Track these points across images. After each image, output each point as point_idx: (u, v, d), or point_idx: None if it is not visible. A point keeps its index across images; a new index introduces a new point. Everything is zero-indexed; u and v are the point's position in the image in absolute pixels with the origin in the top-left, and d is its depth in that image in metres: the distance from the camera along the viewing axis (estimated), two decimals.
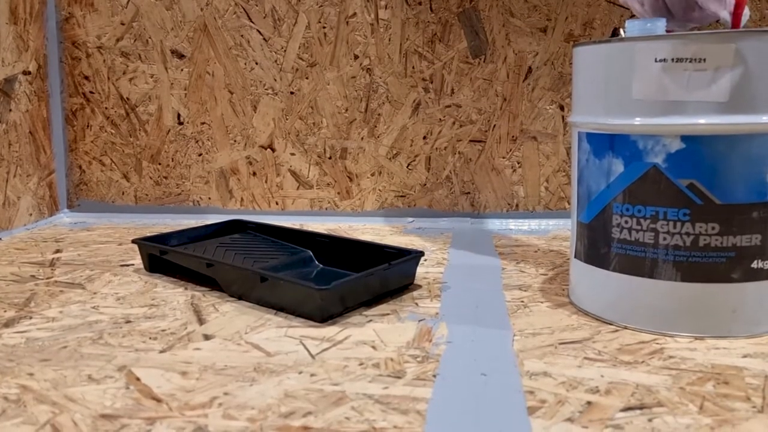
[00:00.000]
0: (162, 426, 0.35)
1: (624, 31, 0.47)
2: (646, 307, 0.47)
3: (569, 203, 0.89)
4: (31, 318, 0.52)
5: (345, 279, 0.52)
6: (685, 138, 0.44)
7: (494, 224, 0.88)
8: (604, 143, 0.48)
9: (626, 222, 0.47)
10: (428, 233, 0.84)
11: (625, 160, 0.47)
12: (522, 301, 0.55)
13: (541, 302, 0.55)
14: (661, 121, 0.45)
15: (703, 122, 0.44)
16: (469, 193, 0.90)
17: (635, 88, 0.45)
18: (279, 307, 0.53)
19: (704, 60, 0.43)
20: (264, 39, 0.90)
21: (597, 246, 0.49)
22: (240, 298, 0.56)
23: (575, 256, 0.53)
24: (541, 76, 0.86)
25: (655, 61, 0.44)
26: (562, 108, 0.86)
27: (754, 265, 0.45)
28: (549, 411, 0.36)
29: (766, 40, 0.43)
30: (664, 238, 0.46)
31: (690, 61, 0.43)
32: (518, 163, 0.89)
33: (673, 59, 0.44)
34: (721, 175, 0.44)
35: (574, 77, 0.51)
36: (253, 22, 0.89)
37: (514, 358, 0.44)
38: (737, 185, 0.44)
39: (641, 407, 0.37)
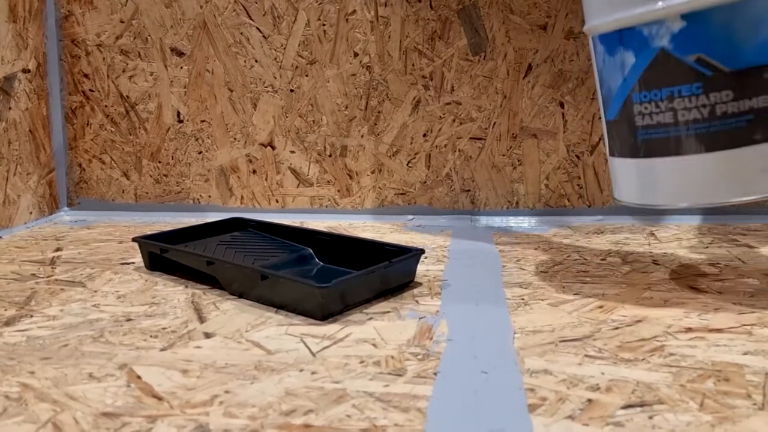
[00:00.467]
0: (163, 424, 0.35)
1: None
2: (679, 185, 0.49)
3: (569, 201, 0.89)
4: (31, 316, 0.52)
5: (345, 277, 0.52)
6: (684, 16, 0.46)
7: (494, 222, 0.88)
8: (614, 40, 0.50)
9: (645, 108, 0.49)
10: (428, 231, 0.84)
11: (635, 50, 0.48)
12: (522, 299, 0.55)
13: (542, 300, 0.55)
14: (660, 5, 0.46)
15: None
16: (469, 190, 0.90)
17: None
18: (279, 305, 0.53)
19: None
20: (263, 36, 0.90)
21: (625, 138, 0.51)
22: (240, 296, 0.56)
23: (610, 154, 0.54)
24: (541, 74, 0.86)
25: None
26: (562, 105, 0.86)
27: None
28: (550, 409, 0.36)
29: None
30: (683, 115, 0.47)
31: None
32: (518, 161, 0.89)
33: None
34: (725, 43, 0.45)
35: None
36: (252, 20, 0.89)
37: (515, 355, 0.44)
38: (743, 50, 0.45)
39: (642, 405, 0.37)
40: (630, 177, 0.52)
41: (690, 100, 0.47)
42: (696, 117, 0.47)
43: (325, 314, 0.51)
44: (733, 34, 0.45)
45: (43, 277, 0.63)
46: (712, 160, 0.47)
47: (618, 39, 0.50)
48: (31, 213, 0.89)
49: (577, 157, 0.88)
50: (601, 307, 0.53)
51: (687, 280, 0.60)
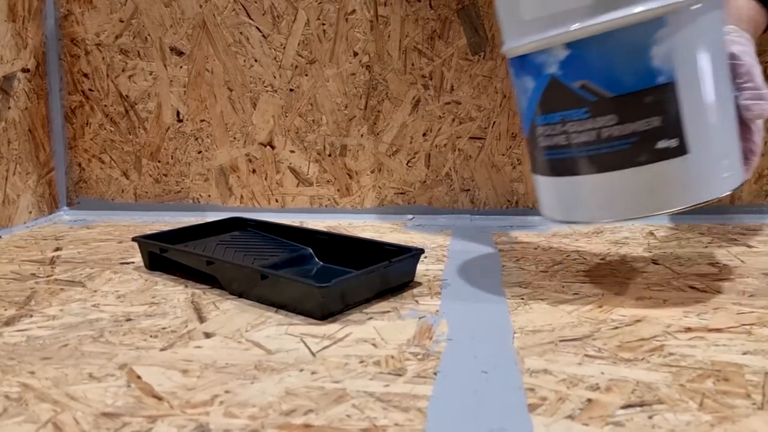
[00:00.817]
0: (163, 424, 0.35)
1: None
2: (579, 202, 0.51)
3: None
4: (31, 316, 0.52)
5: (345, 276, 0.52)
6: (568, 45, 0.48)
7: (494, 221, 0.88)
8: (519, 65, 0.52)
9: (545, 130, 0.51)
10: (428, 230, 0.84)
11: (533, 76, 0.51)
12: (522, 298, 0.55)
13: (542, 299, 0.55)
14: (546, 34, 0.48)
15: (578, 26, 0.47)
16: (468, 190, 0.90)
17: (521, 10, 0.50)
18: (279, 305, 0.53)
19: None
20: (263, 36, 0.90)
21: (536, 157, 0.54)
22: (240, 295, 0.56)
23: (531, 171, 0.57)
24: None
25: None
26: None
27: (660, 145, 0.47)
28: (550, 408, 0.36)
29: None
30: (575, 137, 0.49)
31: None
32: (518, 160, 0.89)
33: None
34: (606, 70, 0.47)
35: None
36: (252, 19, 0.89)
37: (515, 355, 0.44)
38: (624, 76, 0.47)
39: (641, 404, 0.37)
40: (544, 193, 0.55)
41: (579, 123, 0.49)
42: (586, 140, 0.49)
43: (325, 314, 0.51)
44: (613, 61, 0.47)
45: (42, 277, 0.63)
46: (602, 180, 0.49)
47: (521, 64, 0.52)
48: (30, 212, 0.89)
49: None
50: (600, 306, 0.53)
51: (686, 279, 0.60)
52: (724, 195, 0.50)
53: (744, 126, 0.54)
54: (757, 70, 0.53)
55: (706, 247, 0.72)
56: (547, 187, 0.54)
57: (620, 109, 0.47)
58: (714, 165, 0.49)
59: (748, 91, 0.52)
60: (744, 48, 0.53)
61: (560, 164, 0.51)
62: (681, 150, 0.47)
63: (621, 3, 0.46)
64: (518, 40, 0.51)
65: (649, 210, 0.49)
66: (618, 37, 0.46)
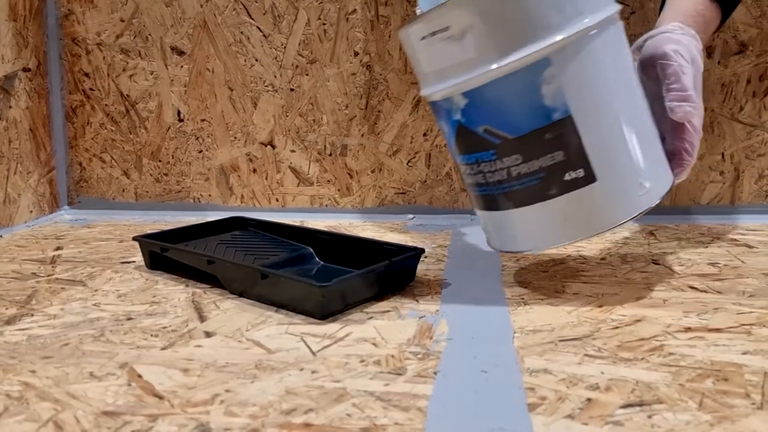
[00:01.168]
0: (164, 423, 0.35)
1: (418, 9, 0.53)
2: (507, 234, 0.54)
3: None
4: (32, 315, 0.52)
5: (345, 276, 0.52)
6: (465, 94, 0.49)
7: None
8: (433, 109, 0.54)
9: (465, 170, 0.53)
10: (428, 230, 0.84)
11: (446, 121, 0.53)
12: (522, 298, 0.55)
13: (542, 299, 0.55)
14: (445, 85, 0.50)
15: (469, 77, 0.49)
16: None
17: (421, 64, 0.52)
18: (280, 304, 0.53)
19: (449, 28, 0.48)
20: (264, 36, 0.90)
21: (468, 191, 0.57)
22: (241, 295, 0.57)
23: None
24: None
25: (421, 39, 0.50)
26: None
27: (567, 177, 0.49)
28: (549, 408, 0.36)
29: None
30: (490, 176, 0.51)
31: (441, 32, 0.49)
32: None
33: (430, 34, 0.49)
34: (503, 114, 0.49)
35: None
36: (252, 19, 0.89)
37: (515, 355, 0.44)
38: (520, 118, 0.49)
39: (641, 404, 0.37)
40: (482, 225, 0.57)
41: (490, 164, 0.51)
42: (499, 179, 0.51)
43: (325, 313, 0.51)
44: (508, 105, 0.49)
45: (43, 276, 0.63)
46: (521, 214, 0.51)
47: (435, 109, 0.54)
48: (31, 212, 0.89)
49: None
50: (600, 306, 0.53)
51: (686, 279, 0.60)
52: (642, 213, 0.50)
53: (680, 125, 0.54)
54: (686, 70, 0.52)
55: (707, 247, 0.72)
56: (482, 220, 0.56)
57: (523, 149, 0.49)
58: (626, 187, 0.50)
59: (673, 92, 0.52)
60: (678, 47, 0.53)
61: (485, 200, 0.53)
62: (588, 179, 0.49)
63: (503, 52, 0.48)
64: (427, 88, 0.53)
65: (568, 238, 0.51)
66: (507, 83, 0.48)
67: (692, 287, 0.58)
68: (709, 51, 0.84)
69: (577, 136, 0.48)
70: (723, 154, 0.86)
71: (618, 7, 0.51)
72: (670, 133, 0.55)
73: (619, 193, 0.50)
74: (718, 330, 0.48)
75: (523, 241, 0.53)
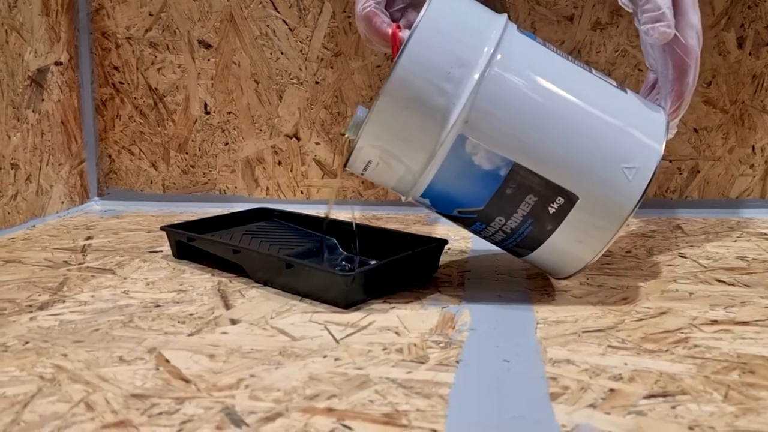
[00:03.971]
0: (191, 405, 0.36)
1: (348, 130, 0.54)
2: (548, 268, 0.55)
3: None
4: (64, 302, 0.54)
5: (369, 266, 0.53)
6: (423, 195, 0.52)
7: None
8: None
9: (477, 235, 0.55)
10: (452, 222, 0.84)
11: (432, 212, 0.55)
12: (546, 290, 0.55)
13: (565, 291, 0.55)
14: (404, 193, 0.53)
15: (414, 185, 0.51)
16: None
17: (380, 182, 0.54)
18: (304, 294, 0.54)
19: (370, 161, 0.51)
20: (289, 29, 0.90)
21: None
22: (265, 284, 0.57)
23: None
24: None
25: (361, 174, 0.53)
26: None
27: (551, 210, 0.49)
28: (571, 397, 0.36)
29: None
30: (495, 238, 0.53)
31: (368, 166, 0.51)
32: None
33: (363, 170, 0.52)
34: (461, 196, 0.50)
35: None
36: (278, 12, 0.90)
37: (537, 345, 0.44)
38: (477, 192, 0.49)
39: (664, 395, 0.37)
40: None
41: (486, 231, 0.52)
42: (502, 238, 0.52)
43: (348, 303, 0.51)
44: (459, 188, 0.50)
45: (74, 264, 0.65)
46: (540, 255, 0.52)
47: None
48: (62, 203, 0.91)
49: None
50: (625, 298, 0.53)
51: (714, 273, 0.59)
52: (642, 193, 0.48)
53: (668, 52, 0.51)
54: None
55: (735, 241, 0.71)
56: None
57: (499, 211, 0.50)
58: (610, 183, 0.48)
59: (645, 15, 0.49)
60: None
61: (512, 253, 0.55)
62: (571, 201, 0.48)
63: (422, 156, 0.48)
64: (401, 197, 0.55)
65: (593, 252, 0.51)
66: (444, 174, 0.49)
67: (719, 280, 0.57)
68: (739, 41, 0.82)
69: (534, 174, 0.48)
70: (753, 147, 0.85)
71: (498, 30, 0.49)
72: (662, 63, 0.52)
73: (608, 193, 0.48)
74: (745, 323, 0.47)
75: (562, 270, 0.53)
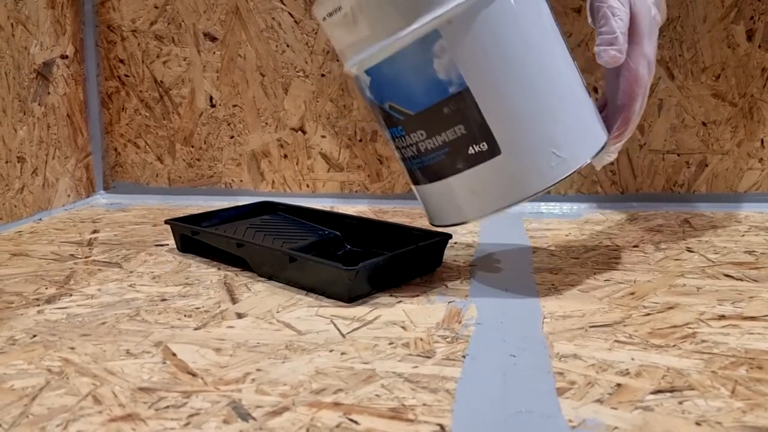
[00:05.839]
0: (198, 399, 0.36)
1: None
2: (427, 209, 0.54)
3: (602, 187, 0.88)
4: (71, 295, 0.54)
5: (373, 260, 0.53)
6: (367, 71, 0.50)
7: (525, 207, 0.88)
8: (357, 87, 0.54)
9: (391, 144, 0.53)
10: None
11: (363, 98, 0.53)
12: (552, 284, 0.55)
13: (572, 285, 0.55)
14: (351, 62, 0.51)
15: (368, 54, 0.49)
16: None
17: (333, 42, 0.52)
18: (308, 288, 0.54)
19: (341, 8, 0.49)
20: (295, 21, 0.90)
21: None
22: (270, 278, 0.57)
23: None
24: (575, 58, 0.85)
25: (323, 20, 0.51)
26: (596, 90, 0.85)
27: (471, 151, 0.48)
28: (578, 392, 0.36)
29: None
30: (405, 152, 0.51)
31: (335, 12, 0.49)
32: None
33: (328, 15, 0.50)
34: (402, 91, 0.48)
35: None
36: (284, 5, 0.90)
37: (544, 340, 0.44)
38: (418, 93, 0.48)
39: (672, 390, 0.36)
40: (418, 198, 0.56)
41: (402, 140, 0.50)
42: (412, 154, 0.51)
43: (352, 296, 0.51)
44: (405, 81, 0.48)
45: (81, 258, 0.65)
46: (436, 189, 0.51)
47: (355, 83, 0.53)
48: (68, 196, 0.91)
49: None
50: (632, 293, 0.52)
51: (721, 267, 0.59)
52: (555, 183, 0.48)
53: (622, 77, 0.51)
54: (617, 12, 0.49)
55: (743, 235, 0.71)
56: (415, 193, 0.56)
57: (426, 124, 0.48)
58: (534, 158, 0.48)
59: (600, 36, 0.50)
60: None
61: (409, 175, 0.53)
62: (492, 152, 0.47)
63: (393, 28, 0.47)
64: (344, 65, 0.53)
65: (480, 212, 0.50)
66: (401, 59, 0.47)
67: (727, 275, 0.57)
68: (749, 34, 0.82)
69: (476, 109, 0.47)
70: (762, 141, 0.84)
71: None
72: (612, 87, 0.53)
73: (528, 165, 0.48)
74: (753, 318, 0.47)
75: (439, 216, 0.52)
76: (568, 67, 0.50)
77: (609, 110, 0.53)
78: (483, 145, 0.47)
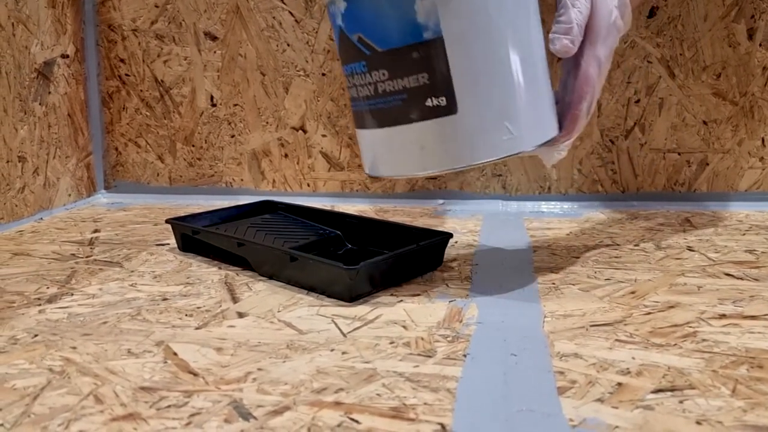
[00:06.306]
0: (199, 398, 0.36)
1: None
2: (369, 156, 0.52)
3: (603, 186, 0.88)
4: (72, 294, 0.54)
5: (373, 259, 0.53)
6: None
7: (526, 207, 0.88)
8: (329, 16, 0.52)
9: (347, 81, 0.51)
10: (459, 215, 0.84)
11: (334, 27, 0.51)
12: (553, 283, 0.55)
13: (573, 285, 0.55)
14: None
15: None
16: (500, 175, 0.90)
17: None
18: (309, 287, 0.54)
19: None
20: (296, 20, 0.90)
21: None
22: (271, 277, 0.57)
23: None
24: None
25: None
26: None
27: (428, 103, 0.47)
28: (579, 391, 0.36)
29: None
30: (360, 91, 0.49)
31: None
32: None
33: None
34: (375, 24, 0.47)
35: None
36: (284, 4, 0.90)
37: (545, 339, 0.44)
38: (392, 31, 0.46)
39: (672, 389, 0.36)
40: (359, 145, 0.54)
41: (361, 77, 0.48)
42: (367, 94, 0.48)
43: (353, 296, 0.51)
44: (382, 15, 0.46)
45: (82, 257, 0.65)
46: (383, 135, 0.49)
47: (329, 15, 0.52)
48: (69, 195, 0.91)
49: (612, 141, 0.87)
50: (633, 292, 0.52)
51: (722, 266, 0.59)
52: (502, 158, 0.48)
53: (576, 76, 0.52)
54: (577, 4, 0.50)
55: (744, 234, 0.71)
56: (358, 139, 0.54)
57: (391, 65, 0.47)
58: (488, 126, 0.47)
59: (558, 24, 0.50)
60: None
61: (356, 117, 0.51)
62: (449, 109, 0.46)
63: None
64: None
65: (423, 168, 0.48)
66: None
67: (728, 274, 0.57)
68: (750, 33, 0.82)
69: (445, 62, 0.46)
70: (763, 140, 0.84)
71: None
72: (564, 85, 0.53)
73: (480, 131, 0.47)
74: (753, 317, 0.47)
75: (383, 166, 0.51)
76: (539, 54, 0.50)
77: (559, 108, 0.54)
78: (442, 100, 0.46)
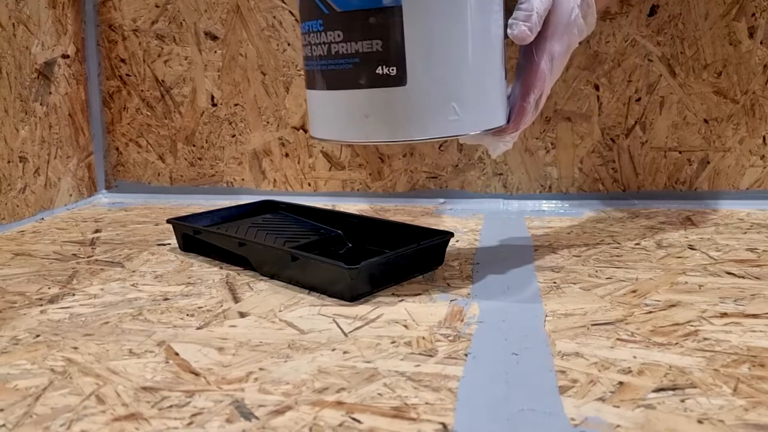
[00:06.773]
0: (201, 398, 0.36)
1: None
2: (315, 119, 0.51)
3: (603, 185, 0.88)
4: (74, 295, 0.54)
5: (374, 258, 0.53)
6: None
7: (527, 206, 0.88)
8: None
9: (302, 39, 0.51)
10: (460, 214, 0.84)
11: None
12: (554, 282, 0.55)
13: (574, 284, 0.55)
14: None
15: None
16: (501, 174, 0.90)
17: None
18: (310, 286, 0.54)
19: None
20: (296, 20, 0.90)
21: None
22: (272, 277, 0.57)
23: None
24: (575, 55, 0.85)
25: None
26: (597, 88, 0.85)
27: (379, 71, 0.46)
28: (580, 390, 0.36)
29: None
30: (314, 50, 0.49)
31: None
32: (552, 144, 0.88)
33: None
34: None
35: None
36: (285, 3, 0.90)
37: (546, 338, 0.44)
38: None
39: (674, 388, 0.36)
40: (308, 108, 0.54)
41: (317, 36, 0.48)
42: (320, 53, 0.48)
43: (354, 295, 0.51)
44: None
45: (83, 257, 0.65)
46: (330, 98, 0.49)
47: None
48: (71, 195, 0.91)
49: (612, 140, 0.87)
50: (634, 291, 0.52)
51: (723, 265, 0.59)
52: (444, 138, 0.48)
53: (527, 68, 0.52)
54: None
55: (745, 233, 0.71)
56: (307, 99, 0.53)
57: (346, 26, 0.46)
58: (434, 104, 0.47)
59: (518, 11, 0.50)
60: None
61: (308, 76, 0.51)
62: (399, 80, 0.46)
63: None
64: None
65: (364, 136, 0.48)
66: None
67: (729, 273, 0.57)
68: (751, 31, 0.82)
69: (400, 32, 0.45)
70: (764, 138, 0.84)
71: None
72: (520, 76, 0.53)
73: (427, 107, 0.47)
74: (755, 316, 0.47)
75: (327, 129, 0.51)
76: (497, 43, 0.50)
77: (510, 101, 0.54)
78: (392, 70, 0.46)
